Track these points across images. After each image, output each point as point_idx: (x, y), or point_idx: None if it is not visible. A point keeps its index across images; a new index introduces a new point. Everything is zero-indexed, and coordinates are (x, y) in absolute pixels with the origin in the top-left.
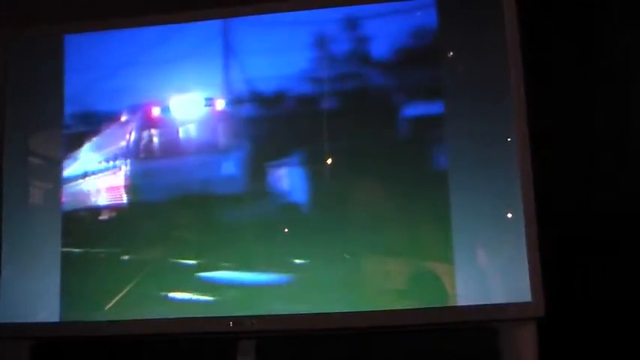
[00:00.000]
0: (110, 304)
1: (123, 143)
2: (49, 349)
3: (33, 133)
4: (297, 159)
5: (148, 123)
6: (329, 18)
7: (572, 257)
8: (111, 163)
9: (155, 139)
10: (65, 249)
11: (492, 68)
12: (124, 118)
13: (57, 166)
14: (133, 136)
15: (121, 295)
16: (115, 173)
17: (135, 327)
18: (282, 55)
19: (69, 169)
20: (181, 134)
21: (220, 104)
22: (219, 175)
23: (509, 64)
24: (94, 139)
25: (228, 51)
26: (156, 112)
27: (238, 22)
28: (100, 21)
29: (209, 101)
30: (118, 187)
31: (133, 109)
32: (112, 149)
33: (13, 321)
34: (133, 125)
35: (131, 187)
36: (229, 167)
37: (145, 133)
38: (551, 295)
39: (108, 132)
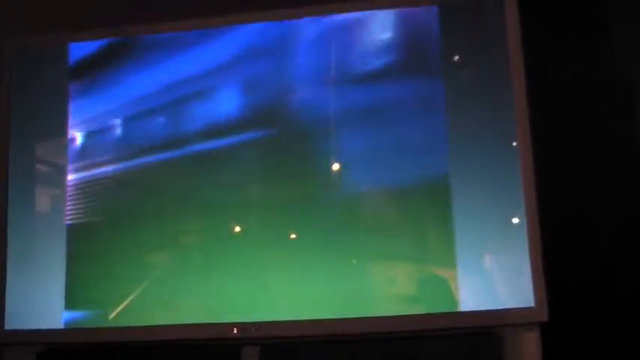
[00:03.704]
0: (115, 311)
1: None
2: (54, 356)
3: (38, 140)
4: (305, 166)
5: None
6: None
7: (575, 262)
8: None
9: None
10: (69, 255)
11: (495, 72)
12: None
13: (62, 172)
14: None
15: (125, 301)
16: (118, 174)
17: (139, 333)
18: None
19: (73, 176)
20: None
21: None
22: (224, 178)
23: (511, 68)
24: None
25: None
26: None
27: None
28: (105, 29)
29: None
30: (120, 191)
31: None
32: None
33: (19, 328)
34: None
35: (134, 190)
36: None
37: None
38: (555, 300)
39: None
